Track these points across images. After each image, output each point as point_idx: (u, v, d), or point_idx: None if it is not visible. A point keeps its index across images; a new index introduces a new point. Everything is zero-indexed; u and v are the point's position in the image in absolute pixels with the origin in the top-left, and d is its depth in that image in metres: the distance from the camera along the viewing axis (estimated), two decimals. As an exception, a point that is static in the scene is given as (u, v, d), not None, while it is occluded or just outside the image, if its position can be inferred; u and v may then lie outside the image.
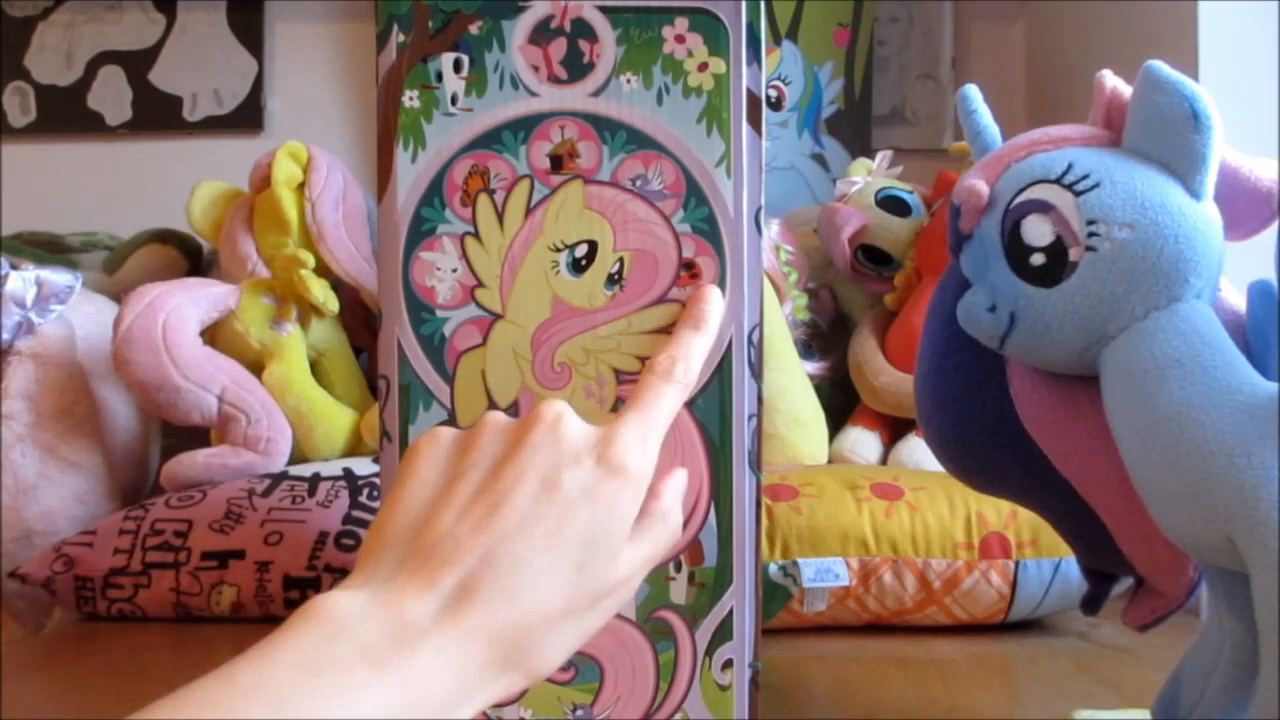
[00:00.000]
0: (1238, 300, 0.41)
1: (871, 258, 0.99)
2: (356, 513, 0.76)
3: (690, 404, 0.43)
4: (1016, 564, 0.69)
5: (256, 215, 0.98)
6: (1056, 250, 0.40)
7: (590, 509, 0.34)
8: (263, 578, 0.73)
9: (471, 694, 0.31)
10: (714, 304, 0.42)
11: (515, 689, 0.32)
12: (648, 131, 0.43)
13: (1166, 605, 0.44)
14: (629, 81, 0.42)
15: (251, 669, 0.28)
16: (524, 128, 0.43)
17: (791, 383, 0.91)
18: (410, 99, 0.42)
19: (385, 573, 0.33)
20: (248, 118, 1.26)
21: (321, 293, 0.89)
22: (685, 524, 0.43)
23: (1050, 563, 0.69)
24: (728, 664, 0.44)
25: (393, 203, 0.43)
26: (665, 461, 0.43)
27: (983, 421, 0.45)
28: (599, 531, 0.34)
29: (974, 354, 0.45)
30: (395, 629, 0.30)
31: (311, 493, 0.78)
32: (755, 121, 0.43)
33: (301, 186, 0.96)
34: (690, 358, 0.40)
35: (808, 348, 1.01)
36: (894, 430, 0.96)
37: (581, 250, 0.43)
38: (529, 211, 0.43)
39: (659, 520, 0.37)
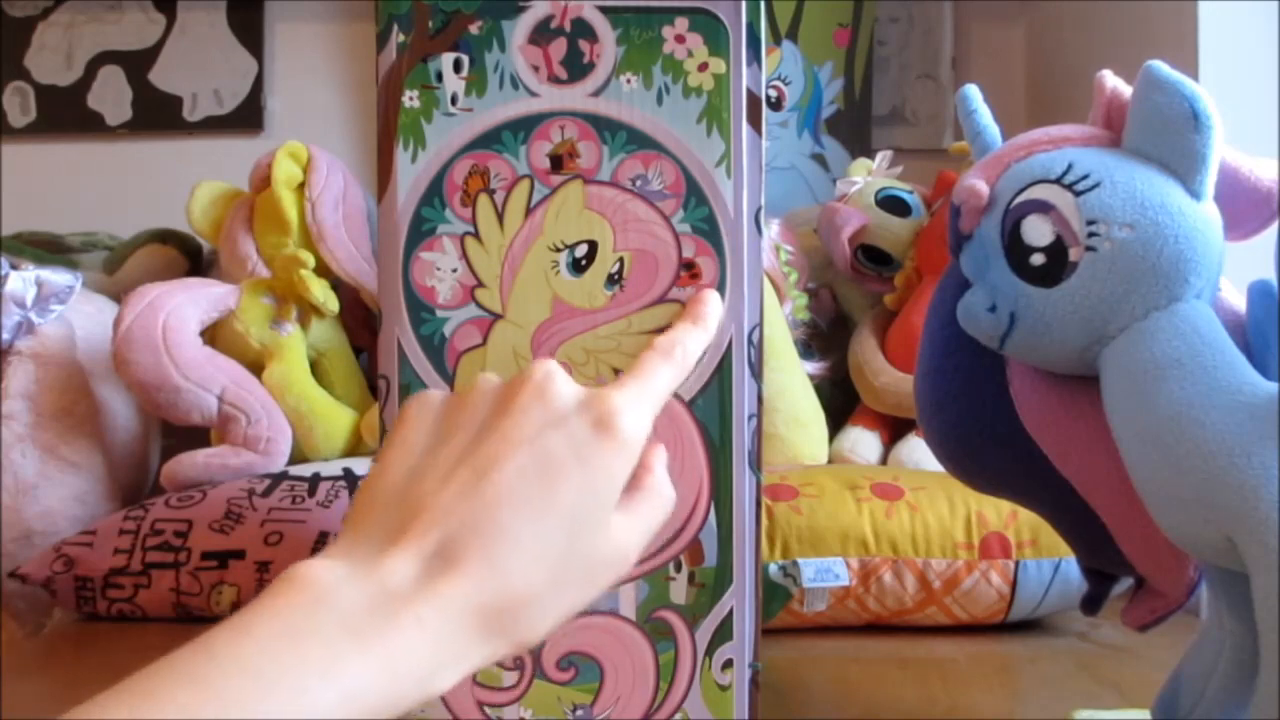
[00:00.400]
0: (1238, 300, 0.41)
1: (871, 258, 0.99)
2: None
3: (690, 404, 0.43)
4: (1016, 564, 0.69)
5: (256, 215, 0.98)
6: (1056, 250, 0.40)
7: (579, 471, 0.33)
8: (263, 578, 0.73)
9: (454, 662, 0.30)
10: (713, 306, 0.42)
11: (500, 657, 0.32)
12: (648, 131, 0.43)
13: (1166, 605, 0.44)
14: (629, 81, 0.42)
15: (230, 640, 0.28)
16: (524, 128, 0.43)
17: (791, 383, 0.91)
18: (410, 99, 0.42)
19: (368, 540, 0.32)
20: (248, 118, 1.26)
21: (321, 293, 0.89)
22: (685, 524, 0.43)
23: (1050, 563, 0.69)
24: (728, 664, 0.44)
25: (393, 203, 0.43)
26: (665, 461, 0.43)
27: (983, 421, 0.45)
28: (587, 496, 0.33)
29: (974, 354, 0.45)
30: (376, 598, 0.30)
31: (311, 493, 0.78)
32: (755, 121, 0.43)
33: (301, 186, 0.96)
34: (689, 343, 0.40)
35: (808, 348, 1.01)
36: (894, 430, 0.96)
37: (581, 250, 0.43)
38: (529, 211, 0.43)
39: (652, 493, 0.37)
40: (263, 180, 0.97)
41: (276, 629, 0.28)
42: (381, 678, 0.28)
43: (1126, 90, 0.42)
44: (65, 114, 1.25)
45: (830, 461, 0.93)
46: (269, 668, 0.27)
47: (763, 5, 0.43)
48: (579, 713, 0.44)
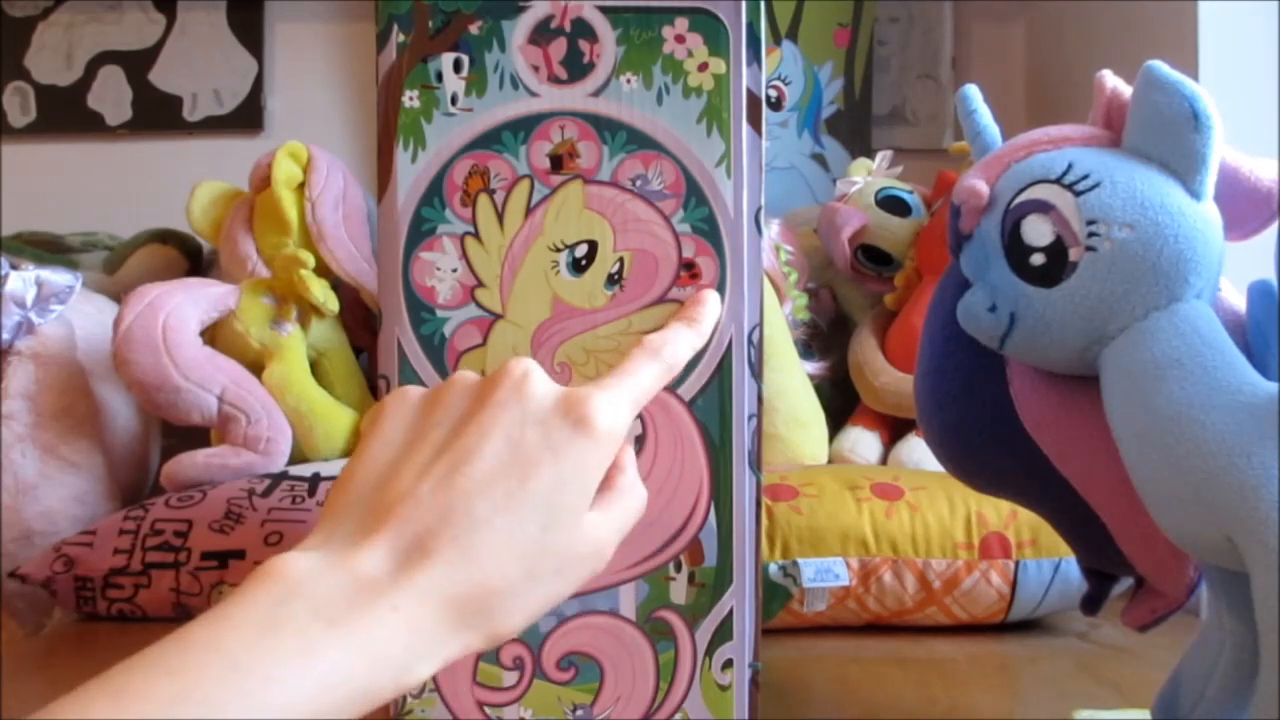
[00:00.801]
0: (1238, 300, 0.41)
1: (871, 258, 0.99)
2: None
3: (690, 404, 0.43)
4: (1016, 564, 0.69)
5: (256, 215, 0.97)
6: (1056, 250, 0.40)
7: (553, 464, 0.33)
8: (263, 578, 0.73)
9: (428, 653, 0.31)
10: (710, 308, 0.42)
11: (474, 650, 0.32)
12: (648, 131, 0.43)
13: (1166, 605, 0.44)
14: (629, 81, 0.42)
15: (207, 630, 0.28)
16: (524, 128, 0.43)
17: (791, 383, 0.91)
18: (410, 99, 0.43)
19: (344, 531, 0.32)
20: (248, 118, 1.26)
21: (321, 293, 0.89)
22: (685, 524, 0.43)
23: (1050, 563, 0.69)
24: (728, 664, 0.44)
25: (393, 203, 0.43)
26: (665, 461, 0.43)
27: (983, 421, 0.45)
28: (561, 489, 0.33)
29: (974, 354, 0.45)
30: (350, 586, 0.30)
31: (311, 493, 0.78)
32: (755, 121, 0.43)
33: (301, 186, 0.96)
34: (679, 344, 0.40)
35: (808, 348, 1.01)
36: (894, 430, 0.96)
37: (581, 250, 0.43)
38: (529, 211, 0.43)
39: (625, 492, 0.37)
40: (263, 180, 0.97)
41: (252, 619, 0.29)
42: (359, 666, 0.29)
43: (1126, 90, 0.42)
44: (65, 114, 1.25)
45: (830, 461, 0.93)
46: (245, 657, 0.27)
47: (763, 5, 0.43)
48: (579, 713, 0.44)
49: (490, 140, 0.43)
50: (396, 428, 0.36)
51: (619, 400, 0.36)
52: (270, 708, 0.27)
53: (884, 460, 0.94)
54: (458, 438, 0.34)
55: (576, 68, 0.43)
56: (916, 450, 0.90)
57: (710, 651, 0.44)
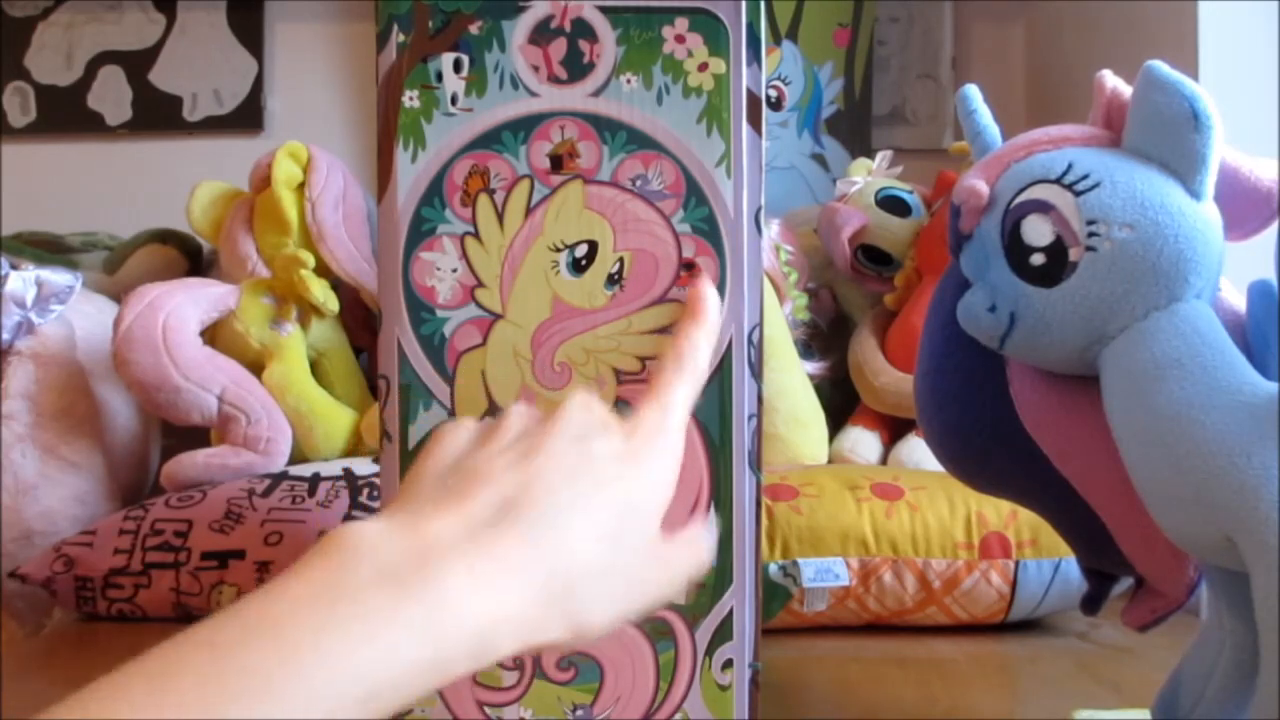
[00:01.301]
0: (1238, 300, 0.41)
1: (871, 258, 0.99)
2: (356, 513, 0.76)
3: (690, 404, 0.43)
4: (1016, 564, 0.69)
5: (256, 215, 0.98)
6: (1056, 250, 0.40)
7: (619, 475, 0.33)
8: (263, 578, 0.73)
9: (510, 624, 0.28)
10: (708, 299, 0.42)
11: (558, 640, 0.30)
12: (648, 131, 0.43)
13: (1166, 605, 0.44)
14: (629, 81, 0.42)
15: (261, 603, 0.26)
16: (524, 128, 0.43)
17: (791, 383, 0.91)
18: (410, 99, 0.43)
19: (412, 508, 0.30)
20: (248, 118, 1.26)
21: (321, 293, 0.89)
22: (685, 524, 0.43)
23: (1050, 563, 0.69)
24: (728, 664, 0.44)
25: (393, 203, 0.43)
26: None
27: (983, 421, 0.45)
28: (632, 500, 0.33)
29: (974, 354, 0.45)
30: (420, 549, 0.27)
31: (311, 493, 0.78)
32: (755, 121, 0.43)
33: (301, 186, 0.96)
34: (698, 349, 0.40)
35: (808, 348, 1.00)
36: (894, 430, 0.96)
37: (581, 250, 0.43)
38: (529, 211, 0.43)
39: (692, 543, 0.37)
40: (263, 180, 0.97)
41: (310, 590, 0.26)
42: (428, 633, 0.26)
43: (1126, 90, 0.42)
44: (65, 114, 1.25)
45: (830, 461, 0.93)
46: (296, 631, 0.25)
47: (763, 5, 0.43)
48: (579, 713, 0.44)
49: (490, 140, 0.43)
50: (457, 443, 0.35)
51: (666, 424, 0.36)
52: (324, 677, 0.24)
53: (884, 460, 0.94)
54: (528, 437, 0.34)
55: (576, 68, 0.43)
56: (916, 450, 0.90)
57: (710, 651, 0.44)
